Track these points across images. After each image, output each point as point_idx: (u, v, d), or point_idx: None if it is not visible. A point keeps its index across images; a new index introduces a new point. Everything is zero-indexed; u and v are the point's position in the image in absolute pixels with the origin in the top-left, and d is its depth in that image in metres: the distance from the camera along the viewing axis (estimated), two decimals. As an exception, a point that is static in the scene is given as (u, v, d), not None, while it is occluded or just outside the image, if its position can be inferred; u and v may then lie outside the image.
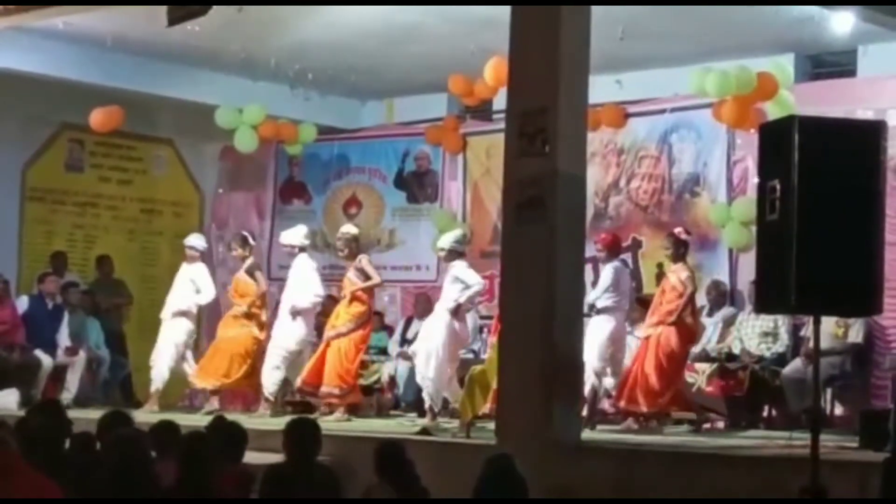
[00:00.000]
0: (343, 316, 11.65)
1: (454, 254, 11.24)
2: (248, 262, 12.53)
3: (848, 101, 11.21)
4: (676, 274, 10.79)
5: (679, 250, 10.90)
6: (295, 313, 11.92)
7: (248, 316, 12.36)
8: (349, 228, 12.10)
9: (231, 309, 12.59)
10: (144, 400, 12.76)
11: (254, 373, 12.22)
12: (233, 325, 12.44)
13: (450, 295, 11.09)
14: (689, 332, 10.79)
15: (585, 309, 10.92)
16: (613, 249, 11.36)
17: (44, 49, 13.12)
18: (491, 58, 11.46)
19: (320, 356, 11.60)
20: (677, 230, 11.12)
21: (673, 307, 10.67)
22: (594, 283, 12.14)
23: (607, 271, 11.22)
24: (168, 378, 12.64)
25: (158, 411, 11.71)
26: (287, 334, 11.96)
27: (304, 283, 11.98)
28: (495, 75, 11.59)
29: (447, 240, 11.35)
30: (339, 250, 11.95)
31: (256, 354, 12.24)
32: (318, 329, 12.20)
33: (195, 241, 13.00)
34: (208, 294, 12.79)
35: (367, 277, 11.68)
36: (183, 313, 12.74)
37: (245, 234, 12.94)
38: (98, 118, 13.41)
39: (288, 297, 12.05)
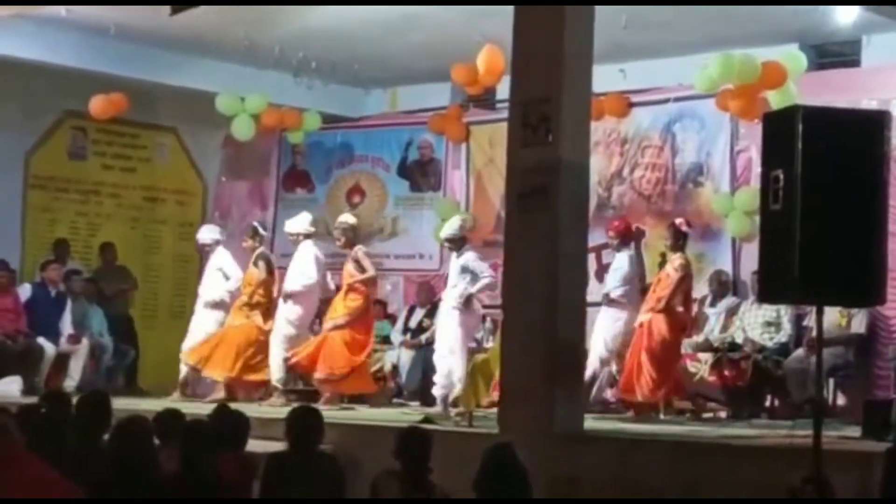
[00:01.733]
0: (339, 308, 11.68)
1: (459, 241, 11.20)
2: (257, 251, 12.54)
3: (852, 91, 11.19)
4: (672, 264, 10.83)
5: (678, 241, 10.95)
6: (286, 297, 11.94)
7: (251, 305, 12.37)
8: (347, 218, 12.12)
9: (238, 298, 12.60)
10: (146, 387, 12.75)
11: (261, 362, 12.22)
12: (238, 315, 12.46)
13: (459, 287, 10.98)
14: (678, 320, 10.81)
15: (601, 299, 10.99)
16: (626, 236, 11.34)
17: (47, 37, 13.12)
18: (485, 46, 11.45)
19: (317, 345, 11.63)
20: (678, 221, 11.13)
21: (663, 294, 10.70)
22: (597, 273, 12.19)
23: (623, 260, 11.21)
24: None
25: (179, 399, 11.76)
26: (282, 319, 11.99)
27: (301, 269, 11.99)
28: (487, 64, 11.59)
29: (448, 229, 11.33)
30: (336, 239, 11.96)
31: (262, 344, 12.24)
32: (320, 317, 12.23)
33: (203, 235, 13.02)
34: (236, 279, 12.70)
35: (363, 269, 11.69)
36: (215, 304, 12.71)
37: (256, 224, 12.94)
38: (98, 105, 13.40)
39: (285, 282, 12.09)
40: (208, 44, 13.31)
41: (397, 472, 6.71)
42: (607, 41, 9.23)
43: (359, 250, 11.79)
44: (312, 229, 12.25)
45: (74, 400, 7.39)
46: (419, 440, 6.83)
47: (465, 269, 11.02)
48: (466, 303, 11.00)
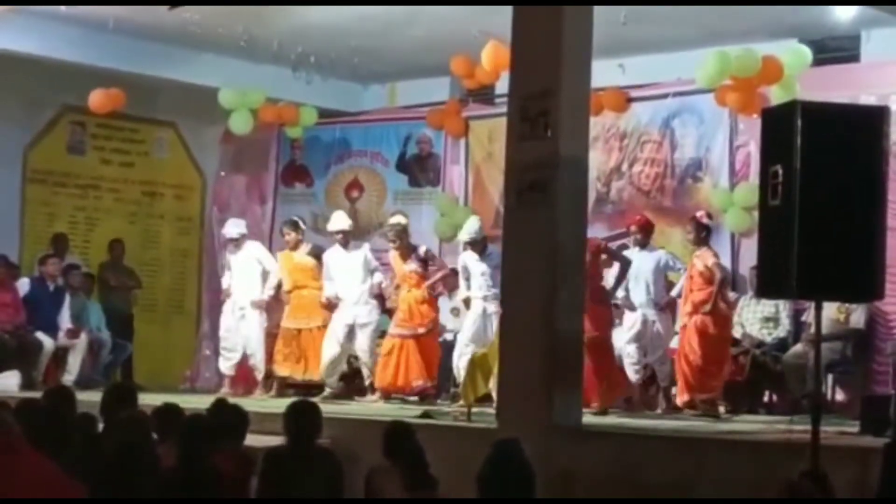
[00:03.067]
0: (417, 313, 11.93)
1: (473, 244, 11.55)
2: (308, 245, 12.60)
3: (851, 86, 11.19)
4: (702, 259, 10.71)
5: (701, 234, 10.84)
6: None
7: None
8: (399, 219, 12.44)
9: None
10: (142, 382, 12.72)
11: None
12: (319, 313, 12.46)
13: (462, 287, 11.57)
14: (724, 317, 10.74)
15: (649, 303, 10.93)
16: (649, 229, 11.26)
17: (46, 31, 13.11)
18: (489, 41, 11.44)
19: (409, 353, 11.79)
20: (699, 213, 11.07)
21: (706, 296, 10.57)
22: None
23: (663, 260, 11.14)
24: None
25: (275, 395, 11.91)
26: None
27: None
28: (492, 60, 11.58)
29: (467, 232, 11.61)
30: (390, 241, 12.12)
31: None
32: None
33: (230, 230, 12.81)
34: (276, 273, 12.63)
35: (426, 268, 12.04)
36: (261, 305, 12.63)
37: (296, 218, 12.94)
38: (97, 99, 13.39)
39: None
40: (207, 38, 13.29)
41: (393, 468, 6.71)
42: (606, 36, 9.21)
43: (427, 249, 12.05)
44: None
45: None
46: (403, 435, 6.86)
47: (464, 269, 11.60)
48: (467, 302, 11.58)
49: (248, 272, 12.57)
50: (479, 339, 11.16)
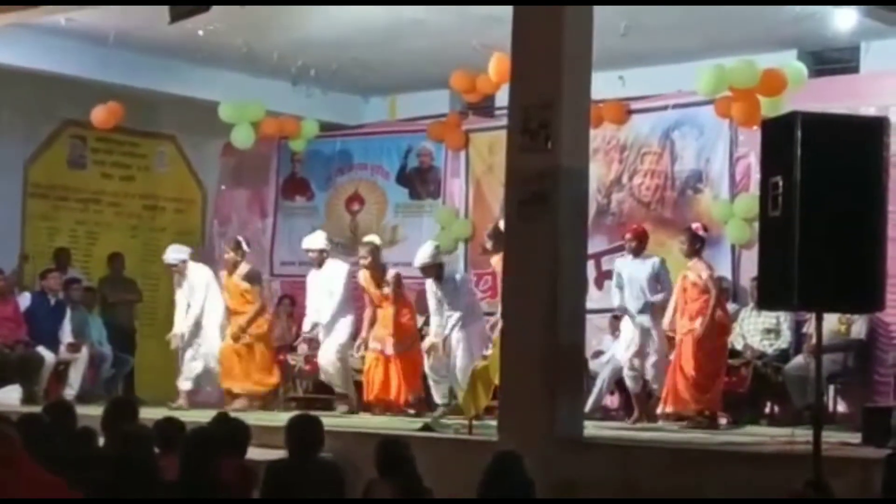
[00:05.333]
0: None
1: (424, 270, 11.54)
2: (248, 267, 12.49)
3: (850, 97, 11.19)
4: (695, 271, 10.71)
5: (695, 245, 10.81)
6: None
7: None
8: (373, 238, 12.34)
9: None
10: (144, 396, 12.69)
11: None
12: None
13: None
14: (722, 325, 10.73)
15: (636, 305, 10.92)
16: (644, 239, 11.21)
17: (46, 45, 13.12)
18: (494, 54, 11.46)
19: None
20: (695, 225, 11.05)
21: (702, 305, 10.55)
22: (596, 280, 12.18)
23: (657, 266, 11.09)
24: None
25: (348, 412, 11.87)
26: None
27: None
28: (499, 72, 11.59)
29: (419, 258, 11.55)
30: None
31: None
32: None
33: (311, 243, 12.44)
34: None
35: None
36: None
37: (240, 238, 12.80)
38: (99, 115, 13.41)
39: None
40: (207, 52, 13.31)
41: (388, 482, 6.73)
42: (606, 48, 9.24)
43: (395, 274, 12.00)
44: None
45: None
46: (394, 451, 6.87)
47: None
48: None
49: (321, 292, 12.32)
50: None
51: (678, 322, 10.71)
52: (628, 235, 11.25)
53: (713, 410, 10.64)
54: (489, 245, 11.23)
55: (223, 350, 12.30)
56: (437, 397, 11.64)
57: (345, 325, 12.16)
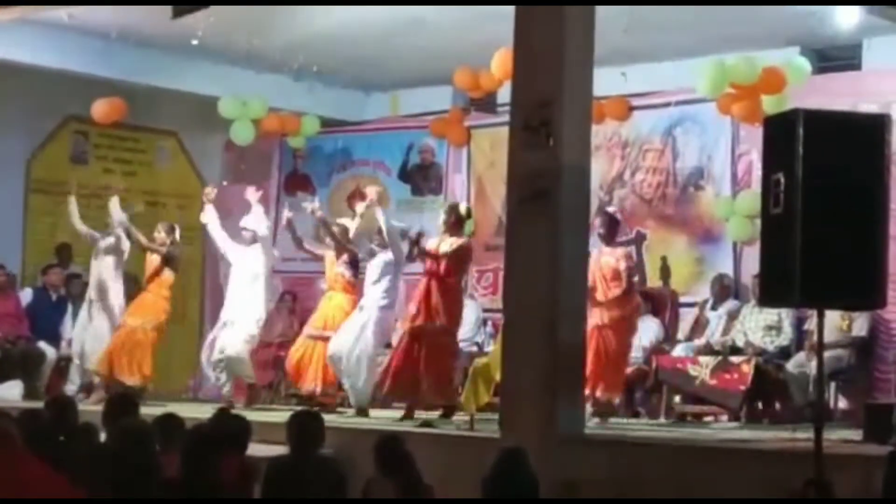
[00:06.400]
0: None
1: None
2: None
3: (853, 94, 11.19)
4: (613, 256, 10.63)
5: (612, 229, 10.78)
6: None
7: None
8: (346, 221, 12.13)
9: None
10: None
11: None
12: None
13: None
14: (638, 304, 10.84)
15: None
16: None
17: (48, 41, 13.13)
18: (496, 50, 11.45)
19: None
20: (611, 209, 10.97)
21: (625, 289, 10.56)
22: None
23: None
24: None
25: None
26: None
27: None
28: (502, 67, 11.58)
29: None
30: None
31: None
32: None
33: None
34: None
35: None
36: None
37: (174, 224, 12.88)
38: (100, 109, 13.39)
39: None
40: (209, 48, 13.29)
41: (388, 480, 6.74)
42: (608, 45, 9.23)
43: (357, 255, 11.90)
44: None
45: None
46: (392, 448, 6.87)
47: None
48: None
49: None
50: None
51: (593, 310, 10.36)
52: (597, 221, 10.83)
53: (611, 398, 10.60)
54: (440, 221, 11.14)
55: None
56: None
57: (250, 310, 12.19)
